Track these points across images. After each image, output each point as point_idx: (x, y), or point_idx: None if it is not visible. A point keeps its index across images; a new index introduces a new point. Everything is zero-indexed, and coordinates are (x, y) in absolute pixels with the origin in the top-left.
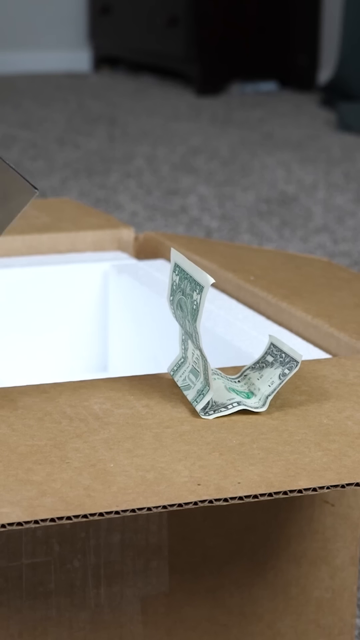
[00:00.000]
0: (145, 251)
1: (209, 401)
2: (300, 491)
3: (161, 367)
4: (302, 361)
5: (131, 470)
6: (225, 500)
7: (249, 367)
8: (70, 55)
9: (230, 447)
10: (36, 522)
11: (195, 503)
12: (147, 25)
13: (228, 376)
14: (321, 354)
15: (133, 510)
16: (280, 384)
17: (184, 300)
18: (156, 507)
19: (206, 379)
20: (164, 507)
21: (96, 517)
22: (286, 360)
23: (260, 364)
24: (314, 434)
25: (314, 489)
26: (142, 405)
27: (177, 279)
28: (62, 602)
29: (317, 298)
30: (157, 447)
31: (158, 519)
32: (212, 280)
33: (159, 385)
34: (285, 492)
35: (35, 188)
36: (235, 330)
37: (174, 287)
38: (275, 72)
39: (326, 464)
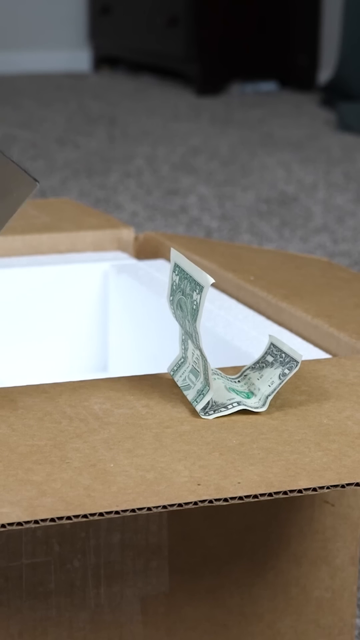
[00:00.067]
0: (145, 251)
1: (209, 401)
2: (300, 491)
3: (161, 367)
4: (302, 361)
5: (131, 470)
6: (225, 500)
7: (249, 367)
8: (70, 55)
9: (230, 447)
10: (36, 522)
11: (195, 503)
12: (147, 25)
13: (228, 376)
14: (321, 354)
15: (133, 510)
16: (280, 384)
17: (184, 300)
18: (156, 507)
19: (206, 379)
20: (164, 507)
21: (96, 517)
22: (286, 360)
23: (260, 364)
24: (314, 434)
25: (314, 489)
26: (142, 405)
27: (177, 279)
28: (62, 602)
29: (317, 298)
30: (157, 447)
31: (158, 519)
32: (212, 280)
33: (159, 385)
34: (285, 492)
35: (36, 180)
36: (235, 330)
37: (174, 287)
38: (275, 72)
39: (326, 464)
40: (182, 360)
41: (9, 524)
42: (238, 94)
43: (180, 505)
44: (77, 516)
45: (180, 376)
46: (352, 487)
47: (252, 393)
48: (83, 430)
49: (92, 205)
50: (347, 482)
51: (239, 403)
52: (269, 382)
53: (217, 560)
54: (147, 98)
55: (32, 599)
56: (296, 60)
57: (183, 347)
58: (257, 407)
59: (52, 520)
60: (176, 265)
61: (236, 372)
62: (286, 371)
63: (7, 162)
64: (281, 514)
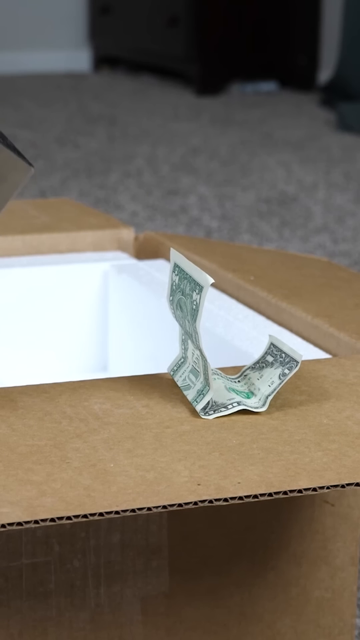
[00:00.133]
0: (145, 251)
1: (209, 401)
2: (300, 491)
3: (161, 367)
4: (302, 361)
5: (131, 470)
6: (225, 500)
7: (249, 367)
8: (70, 55)
9: (230, 447)
10: (36, 522)
11: (195, 503)
12: (147, 25)
13: (228, 376)
14: (321, 354)
15: (133, 510)
16: (280, 384)
17: (184, 300)
18: (156, 507)
19: (206, 379)
20: (164, 507)
21: (96, 517)
22: (286, 360)
23: (260, 364)
24: (314, 434)
25: (314, 489)
26: (142, 405)
27: (176, 279)
28: (62, 602)
29: (317, 298)
30: (157, 447)
31: (158, 519)
32: (211, 280)
33: (159, 385)
34: (285, 492)
35: (31, 165)
36: (235, 330)
37: (174, 287)
38: (275, 72)
39: (326, 464)
40: (182, 360)
41: (9, 524)
42: (238, 94)
43: (180, 505)
44: (77, 516)
45: (180, 376)
46: (352, 487)
47: (252, 393)
48: (83, 430)
49: (92, 205)
50: (347, 482)
51: (239, 403)
52: (269, 382)
53: (217, 560)
54: (147, 98)
55: (32, 599)
56: (296, 60)
57: (183, 347)
58: (257, 407)
59: (52, 520)
60: (176, 265)
61: (236, 372)
62: (286, 371)
63: (3, 148)
64: (281, 514)
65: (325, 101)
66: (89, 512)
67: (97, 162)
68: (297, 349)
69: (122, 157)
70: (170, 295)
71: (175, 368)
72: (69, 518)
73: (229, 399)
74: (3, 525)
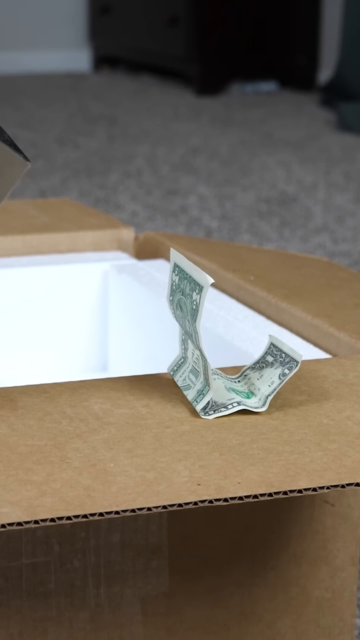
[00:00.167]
0: (145, 251)
1: (209, 401)
2: (300, 491)
3: (161, 367)
4: (302, 361)
5: (131, 470)
6: (225, 500)
7: (249, 367)
8: (70, 55)
9: (230, 447)
10: (36, 522)
11: (195, 503)
12: (147, 25)
13: (228, 376)
14: (321, 354)
15: (133, 510)
16: (280, 384)
17: (184, 300)
18: (156, 507)
19: (206, 379)
20: (164, 507)
21: (96, 517)
22: (286, 360)
23: (260, 364)
24: (314, 434)
25: (314, 489)
26: (142, 405)
27: (176, 279)
28: (62, 602)
29: (317, 298)
30: (157, 447)
31: (158, 519)
32: (211, 280)
33: (159, 385)
34: (285, 492)
35: (27, 160)
36: (235, 330)
37: (174, 287)
38: (275, 72)
39: (326, 464)
40: (182, 360)
41: (9, 524)
42: (238, 94)
43: (180, 505)
44: (77, 516)
45: (180, 376)
46: (352, 487)
47: (252, 393)
48: (83, 430)
49: (92, 205)
50: (347, 482)
51: (239, 403)
52: (269, 382)
53: (217, 560)
54: (147, 98)
55: (32, 599)
56: (296, 60)
57: (183, 347)
58: (257, 407)
59: (52, 520)
60: (176, 265)
61: (236, 372)
62: (286, 371)
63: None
64: (281, 514)
65: (325, 101)
66: (89, 512)
67: (97, 162)
68: (297, 349)
69: (122, 157)
70: (170, 295)
71: (175, 368)
72: (69, 518)
73: (229, 399)
74: (3, 525)
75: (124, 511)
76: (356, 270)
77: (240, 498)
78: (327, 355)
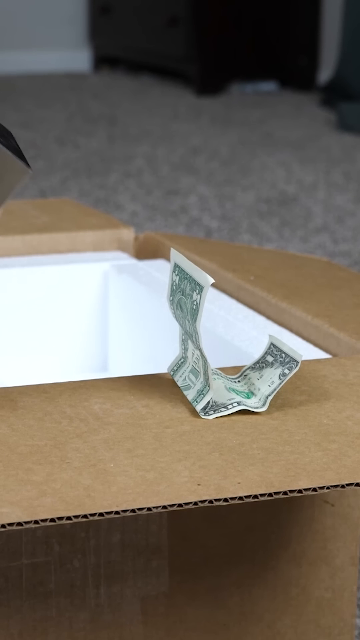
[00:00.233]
0: (145, 251)
1: (209, 401)
2: (300, 491)
3: (161, 367)
4: (302, 361)
5: (131, 470)
6: (225, 500)
7: (249, 367)
8: (70, 55)
9: (230, 447)
10: (36, 522)
11: (195, 503)
12: (147, 25)
13: (228, 376)
14: (321, 354)
15: (133, 510)
16: (280, 384)
17: (184, 300)
18: (156, 507)
19: (206, 379)
20: (164, 507)
21: (96, 517)
22: (286, 360)
23: (260, 364)
24: (314, 434)
25: (314, 489)
26: (142, 405)
27: (177, 279)
28: (62, 602)
29: (317, 298)
30: (157, 447)
31: (158, 519)
32: (212, 280)
33: (159, 385)
34: (285, 492)
35: (29, 166)
36: (235, 330)
37: (174, 287)
38: (275, 72)
39: (326, 464)
40: (182, 360)
41: (9, 524)
42: (238, 94)
43: (180, 505)
44: (77, 516)
45: (180, 376)
46: (352, 487)
47: (252, 393)
48: (83, 430)
49: (92, 205)
50: (347, 482)
51: (239, 403)
52: (269, 382)
53: (217, 560)
54: (147, 98)
55: (32, 599)
56: (296, 60)
57: (183, 347)
58: (257, 407)
59: (52, 520)
60: (176, 265)
61: (236, 372)
62: (286, 371)
63: (0, 149)
64: (281, 514)
65: (325, 101)
66: (89, 512)
67: (97, 162)
68: (297, 349)
69: (122, 157)
70: (171, 295)
71: (175, 368)
72: (69, 518)
73: (229, 399)
74: (3, 525)
75: (124, 511)
76: (356, 270)
77: (240, 498)
78: (327, 355)
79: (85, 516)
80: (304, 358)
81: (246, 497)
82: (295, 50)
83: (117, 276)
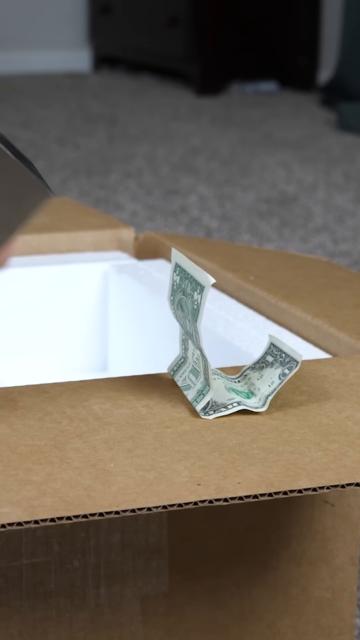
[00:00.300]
0: (145, 251)
1: (209, 401)
2: (300, 491)
3: (161, 367)
4: (302, 361)
5: (131, 470)
6: (225, 500)
7: (249, 367)
8: (70, 55)
9: (230, 447)
10: (36, 522)
11: (195, 503)
12: (147, 25)
13: (228, 376)
14: (321, 354)
15: (133, 510)
16: (280, 384)
17: (185, 300)
18: (156, 507)
19: (206, 379)
20: (164, 507)
21: (96, 517)
22: (286, 360)
23: (260, 364)
24: (314, 434)
25: (314, 489)
26: (142, 405)
27: (177, 278)
28: (62, 602)
29: (317, 298)
30: (157, 447)
31: (158, 519)
32: (213, 280)
33: (159, 385)
34: (285, 492)
35: (50, 191)
36: (235, 330)
37: (175, 287)
38: (275, 72)
39: (326, 464)
40: (182, 360)
41: (9, 524)
42: (238, 94)
43: (180, 505)
44: (77, 516)
45: (180, 376)
46: (352, 487)
47: (252, 393)
48: (83, 430)
49: (92, 205)
50: (347, 482)
51: (239, 403)
52: (269, 382)
53: (217, 560)
54: (147, 98)
55: (32, 599)
56: (296, 60)
57: (183, 347)
58: (257, 407)
59: (52, 520)
60: (177, 265)
61: (236, 372)
62: (286, 371)
63: (23, 169)
64: (281, 514)
65: (325, 101)
66: (89, 512)
67: (97, 162)
68: (297, 349)
69: (122, 157)
70: (171, 295)
71: (175, 368)
72: (69, 518)
73: (229, 399)
74: (3, 525)
75: (124, 511)
76: (356, 270)
77: (240, 498)
78: (327, 355)
79: (85, 516)
80: (304, 358)
81: (246, 497)
82: (295, 50)
83: (117, 276)
